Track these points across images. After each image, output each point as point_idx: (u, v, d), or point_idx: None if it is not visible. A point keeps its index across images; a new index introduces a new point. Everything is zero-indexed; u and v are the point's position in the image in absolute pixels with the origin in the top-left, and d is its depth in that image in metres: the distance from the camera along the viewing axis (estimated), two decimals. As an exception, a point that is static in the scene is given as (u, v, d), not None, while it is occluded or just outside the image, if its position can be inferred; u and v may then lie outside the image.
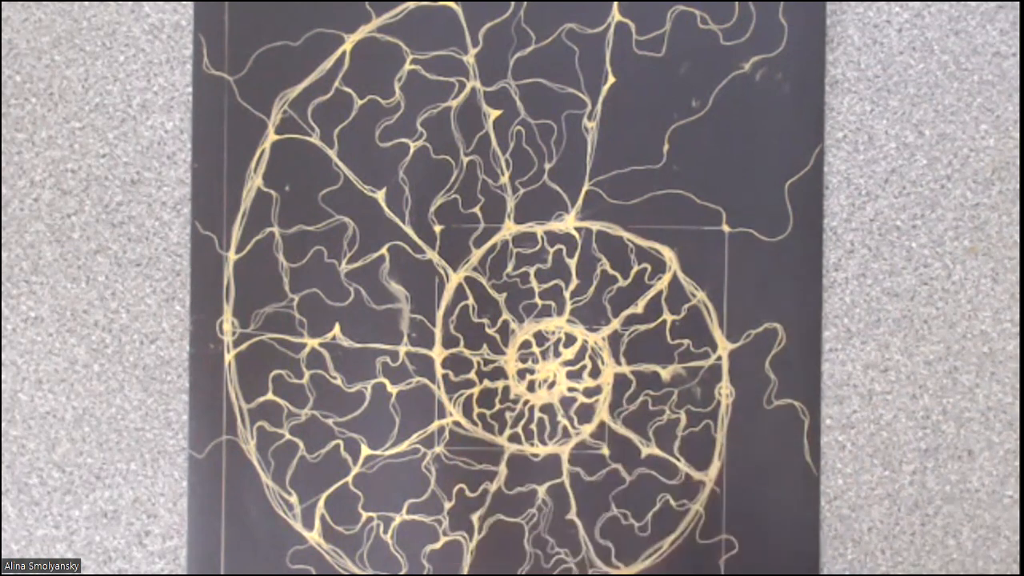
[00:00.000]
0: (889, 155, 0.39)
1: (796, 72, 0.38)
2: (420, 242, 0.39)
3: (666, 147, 0.38)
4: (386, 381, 0.39)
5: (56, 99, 0.39)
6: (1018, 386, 0.38)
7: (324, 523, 0.39)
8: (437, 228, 0.39)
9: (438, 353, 0.39)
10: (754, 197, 0.38)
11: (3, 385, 0.39)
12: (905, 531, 0.39)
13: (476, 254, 0.39)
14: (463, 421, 0.39)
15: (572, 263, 0.39)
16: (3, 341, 0.39)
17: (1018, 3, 0.38)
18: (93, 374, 0.39)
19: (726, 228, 0.38)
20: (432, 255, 0.39)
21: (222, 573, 0.39)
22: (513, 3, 0.39)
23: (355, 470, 0.39)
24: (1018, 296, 0.38)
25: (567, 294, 0.39)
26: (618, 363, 0.39)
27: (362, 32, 0.39)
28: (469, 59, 0.39)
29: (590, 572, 0.39)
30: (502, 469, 0.39)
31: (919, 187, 0.39)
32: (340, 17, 0.39)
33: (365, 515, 0.39)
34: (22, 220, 0.39)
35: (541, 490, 0.39)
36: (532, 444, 0.39)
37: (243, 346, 0.39)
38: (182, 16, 0.39)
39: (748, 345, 0.38)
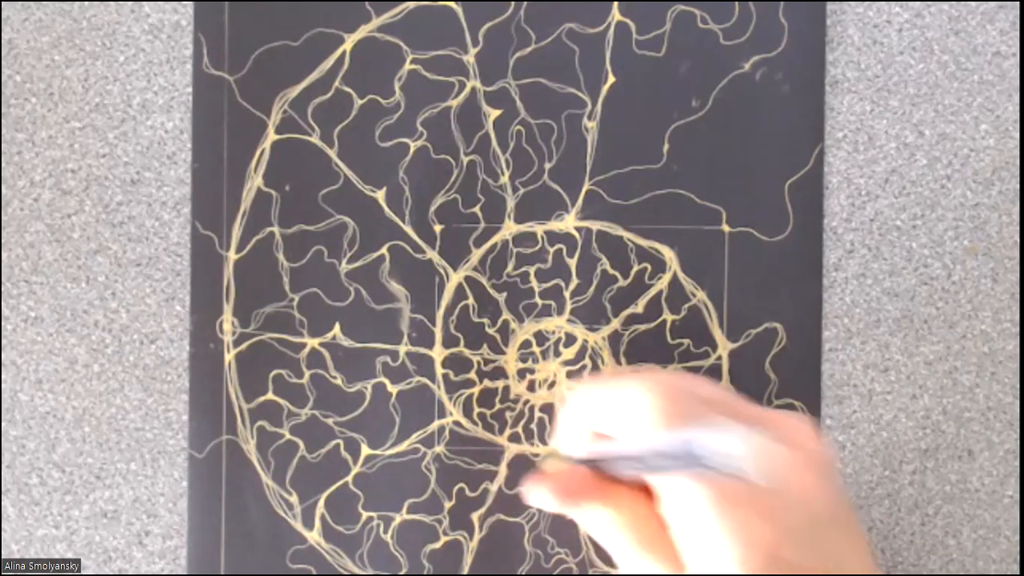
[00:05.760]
0: (889, 155, 0.39)
1: (796, 72, 0.38)
2: (420, 242, 0.39)
3: (666, 147, 0.38)
4: (386, 381, 0.39)
5: (56, 99, 0.39)
6: (1018, 386, 0.38)
7: (324, 523, 0.39)
8: (437, 228, 0.39)
9: (438, 353, 0.39)
10: (754, 197, 0.38)
11: (3, 385, 0.39)
12: (905, 531, 0.39)
13: (476, 254, 0.39)
14: (463, 421, 0.39)
15: (572, 263, 0.39)
16: (3, 341, 0.39)
17: (1018, 3, 0.38)
18: (93, 374, 0.39)
19: (726, 228, 0.38)
20: (432, 255, 0.39)
21: (222, 573, 0.39)
22: (513, 3, 0.39)
23: (355, 470, 0.39)
24: (1018, 296, 0.38)
25: (567, 294, 0.39)
26: (618, 363, 0.39)
27: (362, 32, 0.39)
28: (469, 59, 0.39)
29: (590, 572, 0.39)
30: (502, 469, 0.39)
31: (919, 187, 0.39)
32: (340, 17, 0.39)
33: (365, 515, 0.39)
34: (22, 220, 0.39)
35: (541, 490, 0.39)
36: (532, 444, 0.39)
37: (243, 346, 0.39)
38: (182, 16, 0.39)
39: (748, 345, 0.38)
